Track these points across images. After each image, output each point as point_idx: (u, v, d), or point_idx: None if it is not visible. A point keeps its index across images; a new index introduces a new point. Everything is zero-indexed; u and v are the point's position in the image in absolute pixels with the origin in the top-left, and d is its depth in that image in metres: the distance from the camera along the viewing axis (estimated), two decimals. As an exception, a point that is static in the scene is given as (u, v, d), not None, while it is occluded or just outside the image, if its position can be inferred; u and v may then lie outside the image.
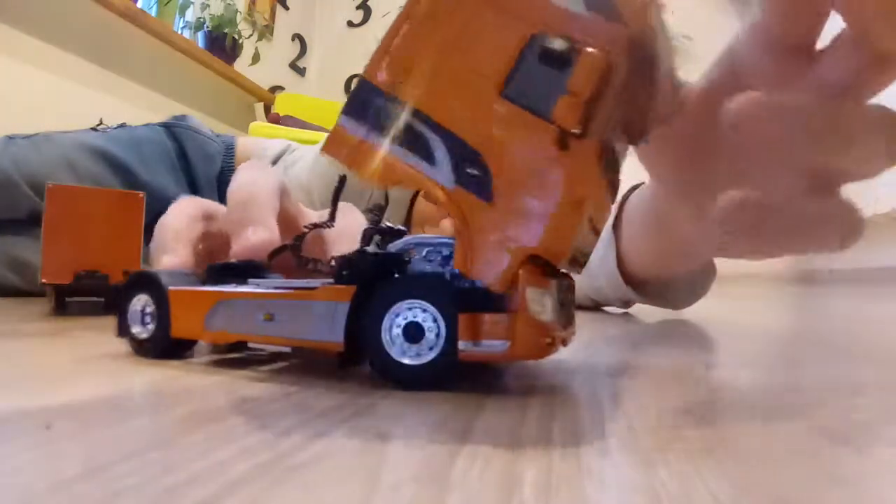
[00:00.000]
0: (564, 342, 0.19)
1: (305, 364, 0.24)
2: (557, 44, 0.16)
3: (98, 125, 0.88)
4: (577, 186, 0.16)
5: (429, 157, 0.17)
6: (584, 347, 0.32)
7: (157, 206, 0.60)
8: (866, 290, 1.22)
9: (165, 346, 0.24)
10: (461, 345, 0.17)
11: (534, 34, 0.16)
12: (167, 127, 0.86)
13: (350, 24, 2.56)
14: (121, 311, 0.26)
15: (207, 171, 0.84)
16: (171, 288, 0.24)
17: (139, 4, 1.48)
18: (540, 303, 0.17)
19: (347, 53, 2.53)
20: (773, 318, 0.58)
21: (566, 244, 0.17)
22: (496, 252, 0.16)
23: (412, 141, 0.17)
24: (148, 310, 0.25)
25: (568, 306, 0.20)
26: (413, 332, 0.18)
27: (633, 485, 0.11)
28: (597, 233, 0.20)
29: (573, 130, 0.16)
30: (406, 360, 0.18)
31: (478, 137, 0.16)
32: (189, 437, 0.13)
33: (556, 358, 0.26)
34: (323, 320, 0.19)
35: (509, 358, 0.17)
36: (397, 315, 0.18)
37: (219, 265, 0.26)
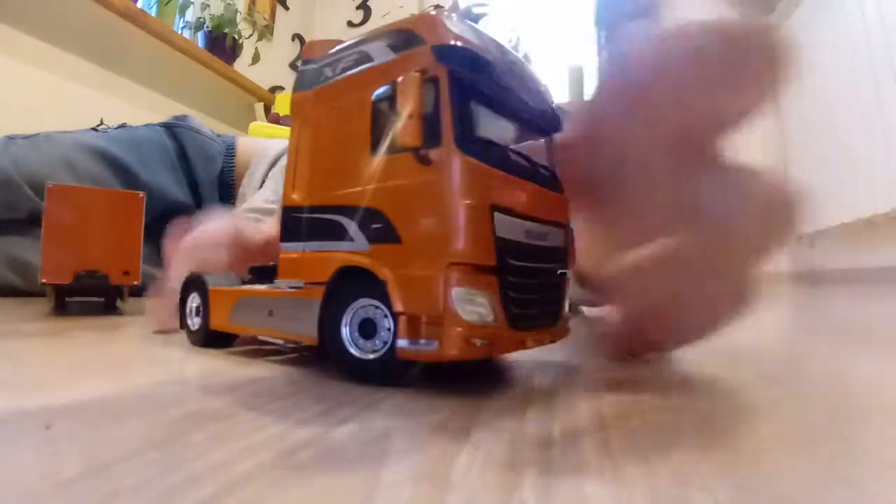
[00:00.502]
0: (523, 343, 0.20)
1: (305, 364, 0.24)
2: (385, 91, 0.19)
3: (98, 125, 0.88)
4: (456, 188, 0.18)
5: (344, 236, 0.20)
6: (584, 347, 0.32)
7: (158, 206, 0.60)
8: (866, 290, 1.22)
9: (207, 337, 0.28)
10: (400, 342, 0.18)
11: (373, 97, 0.20)
12: (168, 127, 0.86)
13: (350, 24, 2.56)
14: (181, 306, 0.30)
15: (208, 172, 0.84)
16: (210, 287, 0.28)
17: (139, 4, 1.48)
18: (468, 303, 0.17)
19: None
20: (772, 317, 0.58)
21: (476, 242, 0.18)
22: (424, 281, 0.18)
23: (329, 231, 0.20)
24: (195, 305, 0.29)
25: (533, 308, 0.20)
26: (368, 329, 0.20)
27: (632, 485, 0.11)
28: (554, 225, 0.22)
29: (419, 147, 0.18)
30: (357, 354, 0.20)
31: (372, 199, 0.19)
32: (189, 437, 0.13)
33: (556, 358, 0.26)
34: (305, 316, 0.21)
35: (438, 357, 0.18)
36: (354, 312, 0.20)
37: (259, 266, 0.29)
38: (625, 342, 0.23)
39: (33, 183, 0.70)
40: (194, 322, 0.29)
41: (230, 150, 0.87)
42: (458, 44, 0.19)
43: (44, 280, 0.43)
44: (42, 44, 1.20)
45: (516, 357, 0.26)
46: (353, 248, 0.20)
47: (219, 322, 0.27)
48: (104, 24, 1.33)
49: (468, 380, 0.21)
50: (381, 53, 0.20)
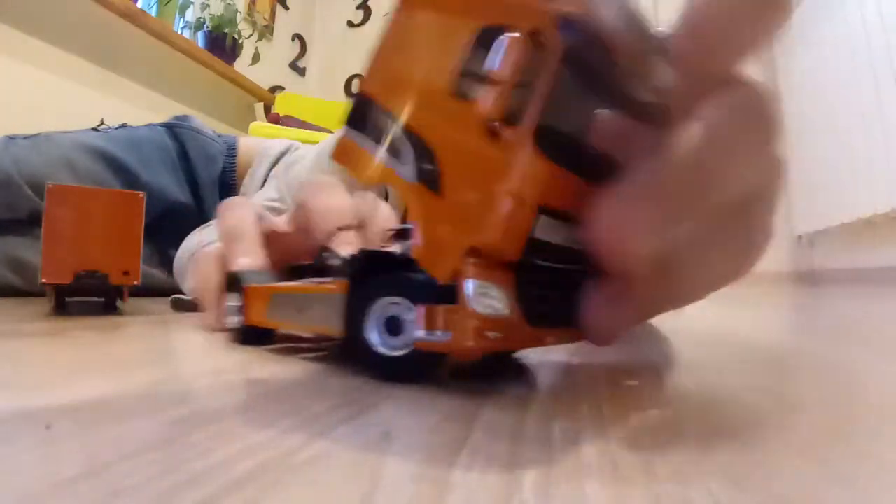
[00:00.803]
0: (541, 341, 0.19)
1: (306, 365, 0.24)
2: (491, 34, 0.16)
3: (99, 125, 0.89)
4: (512, 179, 0.16)
5: (400, 157, 0.18)
6: (584, 347, 0.32)
7: (158, 206, 0.61)
8: (866, 290, 1.22)
9: (247, 334, 0.29)
10: (417, 333, 0.18)
11: (477, 28, 0.17)
12: (169, 127, 0.86)
13: (350, 24, 2.56)
14: (223, 305, 0.31)
15: (209, 172, 0.84)
16: (247, 285, 0.28)
17: (139, 4, 1.48)
18: (482, 296, 0.17)
19: (347, 53, 2.53)
20: (772, 317, 0.58)
21: (506, 238, 0.17)
22: (440, 244, 0.17)
23: (392, 146, 0.18)
24: (235, 304, 0.29)
25: (555, 306, 0.19)
26: (393, 326, 0.19)
27: (632, 484, 0.11)
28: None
29: (495, 121, 0.16)
30: (384, 351, 0.19)
31: (434, 136, 0.17)
32: (189, 437, 0.13)
33: (556, 358, 0.27)
34: (332, 311, 0.21)
35: (451, 348, 0.17)
36: (380, 308, 0.19)
37: (296, 264, 0.30)
38: (621, 308, 0.21)
39: (33, 183, 0.70)
40: (233, 320, 0.30)
41: (231, 149, 0.88)
42: (592, 21, 0.16)
43: (44, 280, 0.43)
44: (42, 44, 1.20)
45: (517, 355, 0.26)
46: (403, 176, 0.18)
47: (257, 319, 0.28)
48: (104, 24, 1.33)
49: (474, 379, 0.21)
50: None
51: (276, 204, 0.66)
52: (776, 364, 0.29)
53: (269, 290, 0.27)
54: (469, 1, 0.17)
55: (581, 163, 0.18)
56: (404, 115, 0.18)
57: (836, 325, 0.47)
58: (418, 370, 0.19)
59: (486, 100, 0.16)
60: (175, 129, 0.86)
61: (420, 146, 0.17)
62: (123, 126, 0.88)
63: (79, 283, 0.44)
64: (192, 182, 0.83)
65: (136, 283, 0.46)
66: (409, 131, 0.18)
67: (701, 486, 0.11)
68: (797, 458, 0.13)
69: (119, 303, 0.47)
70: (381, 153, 0.18)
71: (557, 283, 0.19)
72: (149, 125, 0.88)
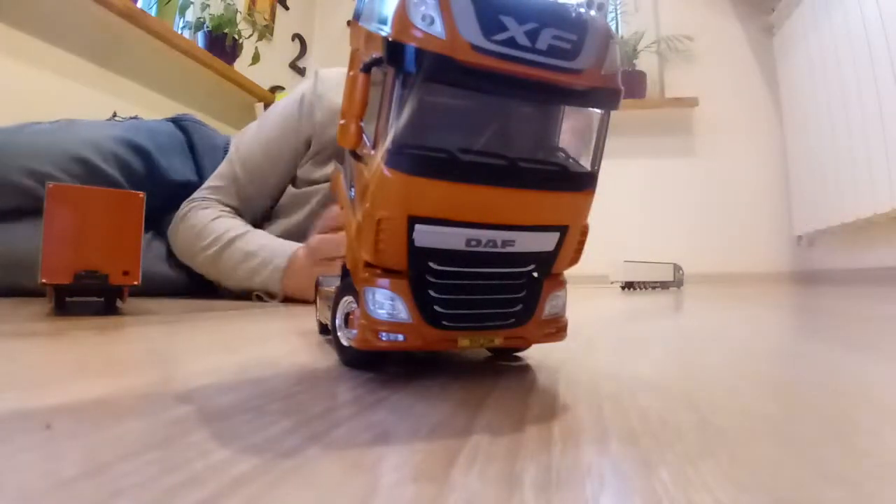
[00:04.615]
0: (454, 342, 0.20)
1: (306, 365, 0.24)
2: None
3: (113, 116, 0.96)
4: (370, 197, 0.18)
5: (348, 179, 0.21)
6: (584, 347, 0.32)
7: (172, 188, 0.71)
8: (866, 290, 1.22)
9: (321, 329, 0.33)
10: (344, 332, 0.22)
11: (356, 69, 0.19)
12: (174, 121, 0.94)
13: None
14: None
15: (213, 161, 0.89)
16: (319, 288, 0.32)
17: (139, 4, 1.48)
18: (375, 301, 0.19)
19: (347, 53, 2.52)
20: (772, 317, 0.58)
21: (378, 251, 0.19)
22: (352, 259, 0.21)
23: (348, 174, 0.21)
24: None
25: (466, 309, 0.20)
26: (349, 321, 0.22)
27: (633, 485, 0.11)
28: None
29: (351, 147, 0.19)
30: (343, 340, 0.22)
31: (353, 163, 0.20)
32: (189, 437, 0.13)
33: (556, 358, 0.26)
34: (328, 308, 0.24)
35: (357, 345, 0.20)
36: (345, 305, 0.22)
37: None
38: None
39: (57, 161, 0.74)
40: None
41: (226, 146, 0.94)
42: (416, 43, 0.16)
43: (44, 280, 0.43)
44: (42, 44, 1.20)
45: (517, 355, 0.26)
46: (350, 195, 0.21)
47: (322, 316, 0.31)
48: (104, 24, 1.33)
49: (469, 379, 0.21)
50: (365, 31, 0.18)
51: (219, 183, 0.78)
52: (776, 364, 0.29)
53: (321, 293, 0.32)
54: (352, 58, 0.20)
55: (474, 170, 0.18)
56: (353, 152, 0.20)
57: (836, 325, 0.47)
58: (360, 359, 0.22)
59: (342, 133, 0.19)
60: (180, 123, 0.94)
61: (350, 171, 0.20)
62: (135, 118, 0.96)
63: (79, 283, 0.44)
64: (197, 169, 0.90)
65: (135, 283, 0.46)
66: (352, 157, 0.20)
67: (701, 487, 0.11)
68: (797, 458, 0.13)
69: (119, 303, 0.47)
70: (345, 180, 0.21)
71: (465, 286, 0.20)
72: (155, 120, 0.94)
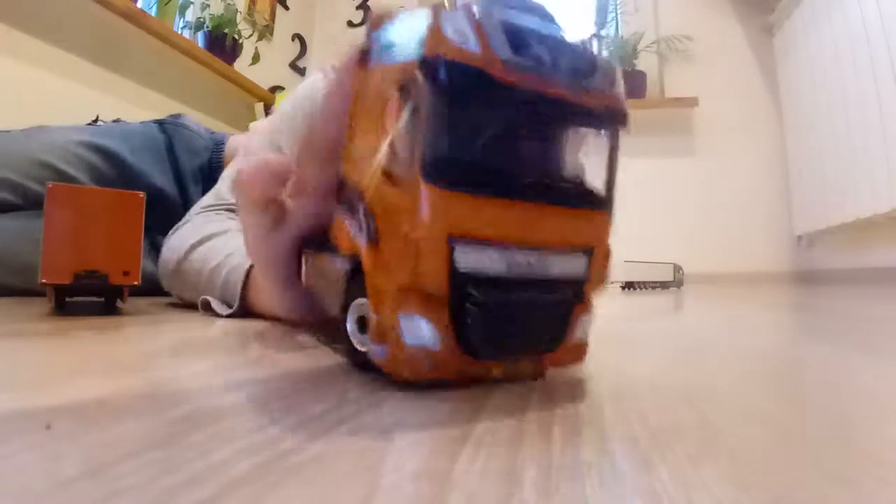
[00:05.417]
0: (488, 373, 0.19)
1: (306, 365, 0.24)
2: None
3: (95, 121, 0.98)
4: (414, 222, 0.17)
5: (360, 227, 0.20)
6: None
7: (144, 190, 0.69)
8: (866, 290, 1.22)
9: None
10: (367, 343, 0.20)
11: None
12: (160, 123, 0.95)
13: (350, 24, 2.56)
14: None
15: (192, 163, 0.92)
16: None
17: (139, 4, 1.48)
18: (410, 328, 0.18)
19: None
20: (772, 317, 0.58)
21: (425, 277, 0.18)
22: (378, 290, 0.19)
23: (356, 217, 0.20)
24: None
25: (505, 337, 0.19)
26: (363, 324, 0.20)
27: (633, 485, 0.11)
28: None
29: (385, 169, 0.18)
30: (356, 343, 0.21)
31: (371, 197, 0.19)
32: (189, 437, 0.13)
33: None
34: (334, 295, 0.23)
35: (385, 369, 0.19)
36: (356, 308, 0.21)
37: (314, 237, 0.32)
38: None
39: (20, 168, 0.75)
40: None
41: (219, 145, 0.94)
42: (451, 56, 0.17)
43: (44, 280, 0.43)
44: (42, 44, 1.20)
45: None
46: (357, 235, 0.20)
47: (318, 287, 0.29)
48: (104, 24, 1.33)
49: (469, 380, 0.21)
50: (390, 51, 0.19)
51: (217, 205, 0.67)
52: (776, 364, 0.29)
53: (310, 256, 0.28)
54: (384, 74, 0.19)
55: (510, 185, 0.18)
56: (359, 186, 0.20)
57: (836, 325, 0.47)
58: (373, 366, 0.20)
59: (380, 153, 0.18)
60: (165, 125, 0.94)
61: (367, 212, 0.19)
62: (117, 120, 0.98)
63: (79, 283, 0.44)
64: (176, 171, 0.90)
65: (136, 283, 0.46)
66: (362, 200, 0.20)
67: (701, 487, 0.11)
68: (797, 458, 0.13)
69: (119, 303, 0.47)
70: (351, 227, 0.20)
71: (514, 317, 0.19)
72: (143, 122, 0.95)
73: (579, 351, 0.22)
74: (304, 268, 0.29)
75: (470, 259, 0.18)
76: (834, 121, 1.78)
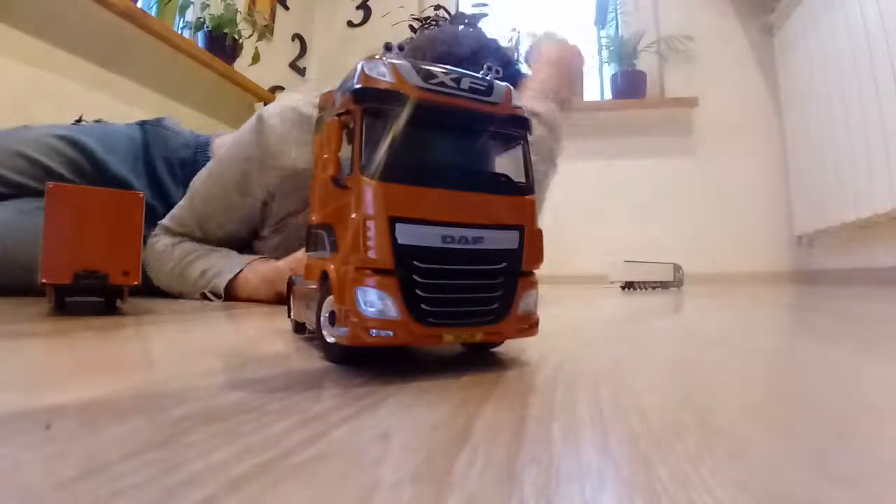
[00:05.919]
0: (439, 338, 0.22)
1: (306, 365, 0.24)
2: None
3: (78, 121, 1.06)
4: (359, 208, 0.21)
5: (322, 246, 0.25)
6: (584, 348, 0.32)
7: (110, 180, 0.77)
8: (866, 290, 1.22)
9: (295, 328, 0.34)
10: (331, 328, 0.23)
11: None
12: (141, 124, 1.03)
13: (350, 24, 2.56)
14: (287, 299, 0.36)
15: (166, 161, 0.99)
16: (293, 286, 0.33)
17: (139, 4, 1.48)
18: (367, 299, 0.21)
19: (347, 53, 2.53)
20: (772, 317, 0.58)
21: (374, 251, 0.21)
22: (340, 279, 0.22)
23: (320, 244, 0.26)
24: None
25: (450, 306, 0.22)
26: (333, 319, 0.23)
27: (633, 485, 0.11)
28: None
29: (332, 176, 0.23)
30: (328, 337, 0.24)
31: (330, 217, 0.24)
32: (189, 437, 0.13)
33: (557, 358, 0.27)
34: (313, 309, 0.25)
35: (348, 342, 0.22)
36: (328, 305, 0.24)
37: None
38: None
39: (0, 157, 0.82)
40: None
41: (204, 146, 1.02)
42: (374, 85, 0.22)
43: (44, 280, 0.43)
44: (42, 44, 1.20)
45: (517, 356, 0.26)
46: (325, 256, 0.24)
47: (295, 314, 0.33)
48: (104, 24, 1.33)
49: (469, 379, 0.21)
50: (339, 97, 0.24)
51: (173, 221, 0.83)
52: (776, 364, 0.29)
53: (293, 290, 0.33)
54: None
55: (440, 178, 0.23)
56: (323, 220, 0.25)
57: (836, 325, 0.47)
58: (346, 356, 0.23)
59: (325, 167, 0.23)
60: (145, 126, 1.02)
61: (328, 229, 0.24)
62: (99, 121, 1.07)
63: (79, 283, 0.44)
64: (150, 167, 0.97)
65: (136, 283, 0.46)
66: (325, 224, 0.25)
67: (701, 486, 0.11)
68: (797, 457, 0.13)
69: (119, 303, 0.47)
70: (317, 254, 0.26)
71: (448, 285, 0.22)
72: (127, 123, 1.02)
73: (528, 322, 0.25)
74: (291, 301, 0.34)
75: (408, 234, 0.22)
76: (834, 121, 1.78)
